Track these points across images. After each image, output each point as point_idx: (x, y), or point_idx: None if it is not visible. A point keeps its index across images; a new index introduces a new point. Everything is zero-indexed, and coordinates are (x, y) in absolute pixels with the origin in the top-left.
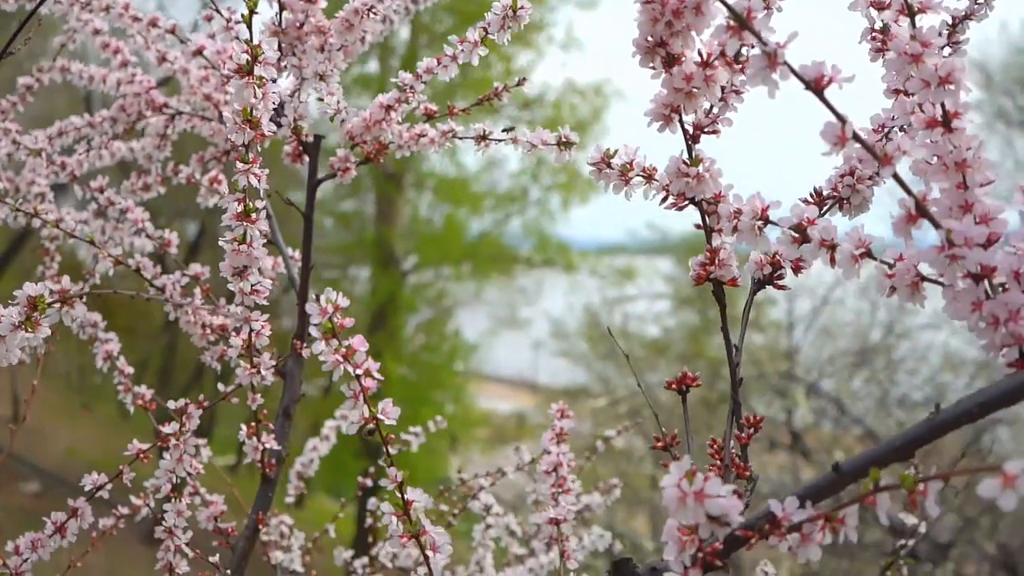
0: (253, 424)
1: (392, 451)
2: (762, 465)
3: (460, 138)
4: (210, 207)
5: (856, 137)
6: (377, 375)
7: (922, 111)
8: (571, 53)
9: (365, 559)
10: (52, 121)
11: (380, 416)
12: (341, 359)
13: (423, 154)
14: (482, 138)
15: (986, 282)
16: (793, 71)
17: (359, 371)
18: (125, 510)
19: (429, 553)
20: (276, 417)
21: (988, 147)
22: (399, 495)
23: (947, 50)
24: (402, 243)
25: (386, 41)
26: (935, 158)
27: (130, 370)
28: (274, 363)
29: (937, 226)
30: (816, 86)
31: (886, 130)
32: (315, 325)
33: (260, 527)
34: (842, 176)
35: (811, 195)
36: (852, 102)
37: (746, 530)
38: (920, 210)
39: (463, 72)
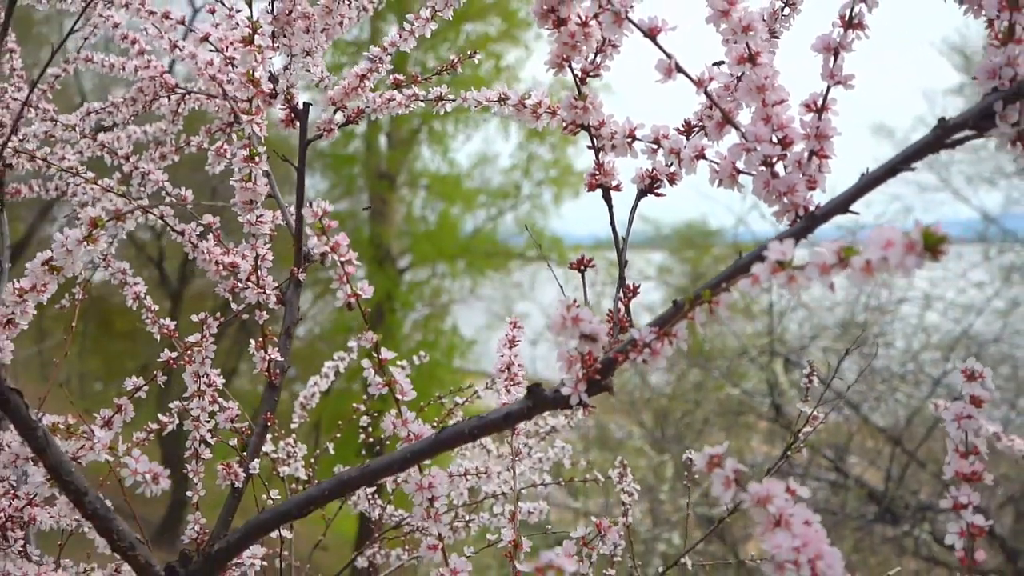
0: (261, 339)
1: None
2: (749, 442)
3: (423, 100)
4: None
5: (679, 69)
6: (356, 262)
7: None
8: None
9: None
10: None
11: (359, 291)
12: (330, 250)
13: (416, 153)
14: (439, 99)
15: (782, 168)
16: (634, 24)
17: (343, 259)
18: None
19: (400, 395)
20: (280, 335)
21: None
22: (375, 354)
23: (787, 9)
24: (397, 241)
25: (374, 40)
26: (743, 84)
27: (155, 307)
28: (277, 285)
29: (738, 129)
30: (651, 34)
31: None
32: (309, 224)
33: (269, 425)
34: (704, 108)
35: (682, 124)
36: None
37: (617, 354)
38: (726, 119)
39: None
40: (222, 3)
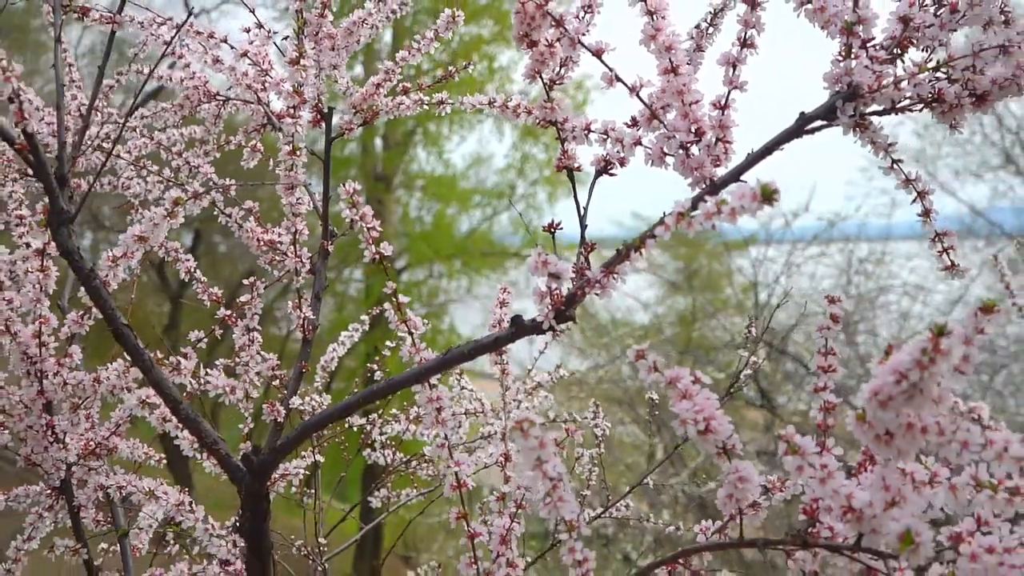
0: (296, 300)
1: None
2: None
3: (428, 104)
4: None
5: (618, 79)
6: (378, 228)
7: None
8: None
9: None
10: None
11: (382, 250)
12: (359, 218)
13: (412, 154)
14: (441, 103)
15: (696, 150)
16: (584, 46)
17: (369, 225)
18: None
19: (413, 330)
20: (311, 298)
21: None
22: (395, 299)
23: (711, 29)
24: (394, 242)
25: (370, 46)
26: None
27: (204, 279)
28: (310, 256)
29: (660, 121)
30: (597, 53)
31: None
32: (342, 199)
33: (303, 372)
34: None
35: (630, 119)
36: None
37: (577, 289)
38: (652, 115)
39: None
40: (260, 27)
